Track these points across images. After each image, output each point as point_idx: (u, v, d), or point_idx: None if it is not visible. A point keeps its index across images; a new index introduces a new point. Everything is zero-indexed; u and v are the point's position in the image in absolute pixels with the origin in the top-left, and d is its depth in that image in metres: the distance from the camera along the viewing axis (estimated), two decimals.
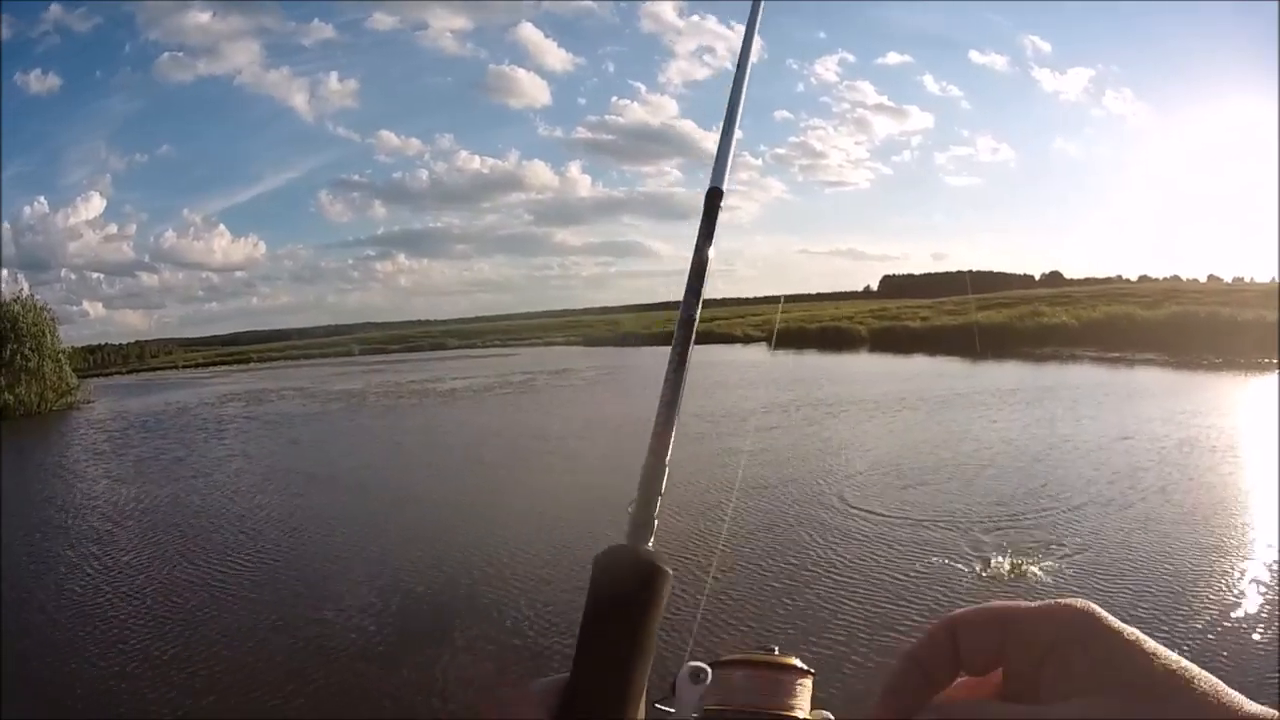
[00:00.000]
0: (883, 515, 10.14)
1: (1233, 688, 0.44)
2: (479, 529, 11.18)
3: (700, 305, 0.69)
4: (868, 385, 23.80)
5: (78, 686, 6.79)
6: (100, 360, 35.22)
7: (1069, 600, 0.48)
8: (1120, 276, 43.89)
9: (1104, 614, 0.47)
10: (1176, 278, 39.46)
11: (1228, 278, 34.29)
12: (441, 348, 50.54)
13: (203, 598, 8.87)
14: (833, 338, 39.64)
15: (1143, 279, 40.79)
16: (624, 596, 0.59)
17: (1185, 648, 5.83)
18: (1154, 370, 22.57)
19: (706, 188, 0.73)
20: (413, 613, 8.36)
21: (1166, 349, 24.50)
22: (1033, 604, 0.49)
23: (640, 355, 41.89)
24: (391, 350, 48.91)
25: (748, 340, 45.16)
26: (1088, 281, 43.71)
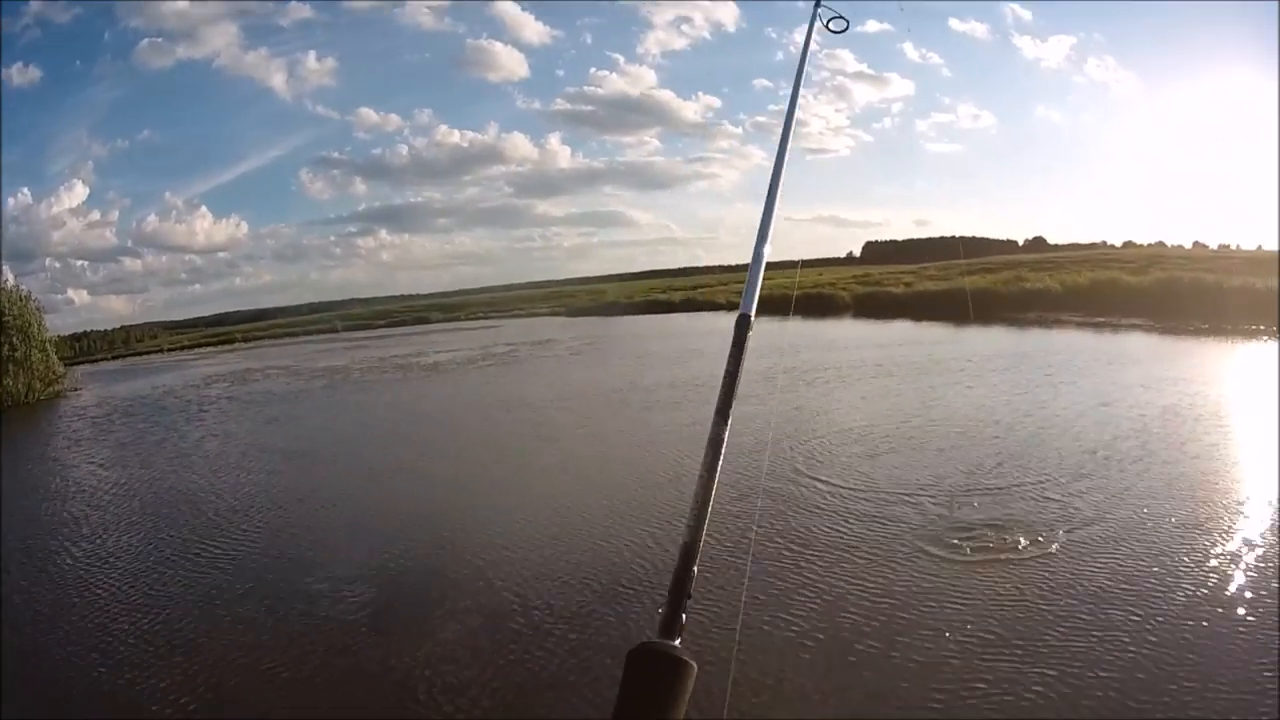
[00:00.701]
0: (839, 485, 10.10)
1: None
2: (460, 498, 11.45)
3: (728, 426, 0.76)
4: (846, 351, 23.94)
5: (70, 673, 6.77)
6: (86, 347, 35.00)
7: None
8: (1105, 242, 43.96)
9: None
10: (1161, 244, 39.51)
11: (1213, 244, 34.24)
12: (424, 322, 50.44)
13: (189, 576, 8.94)
14: (816, 304, 39.76)
15: (1127, 245, 40.86)
16: (657, 696, 0.66)
17: (1159, 623, 5.81)
18: (1140, 335, 22.45)
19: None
20: (396, 583, 8.44)
21: (1153, 314, 24.37)
22: None
23: (623, 324, 42.12)
24: (375, 326, 48.78)
25: (730, 307, 44.73)
26: (1072, 247, 43.75)
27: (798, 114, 1.73)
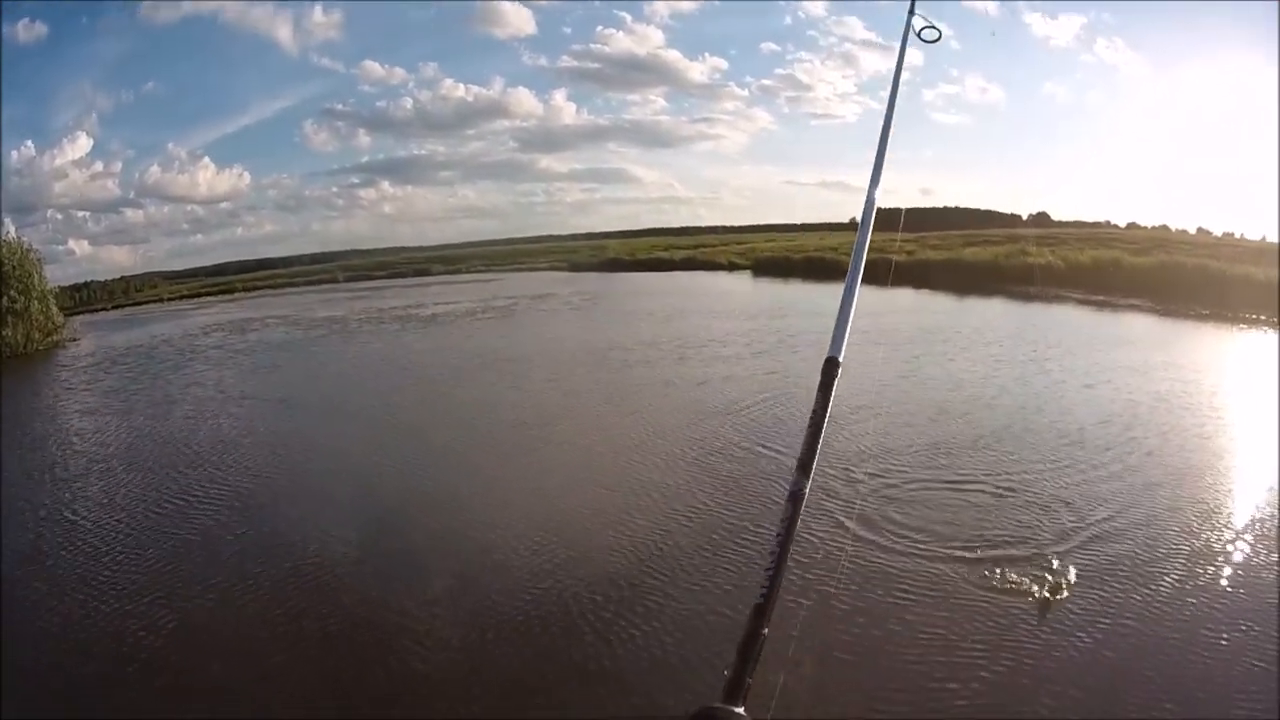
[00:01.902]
0: (786, 454, 10.28)
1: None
2: (456, 446, 11.98)
3: (810, 480, 0.72)
4: (819, 318, 23.87)
5: (62, 619, 7.01)
6: (86, 297, 34.71)
7: None
8: (1109, 222, 43.30)
9: None
10: (1165, 227, 38.96)
11: (1217, 232, 33.75)
12: (425, 274, 50.37)
13: (184, 525, 9.20)
14: (818, 267, 39.58)
15: (1131, 226, 40.32)
16: None
17: (1136, 616, 6.00)
18: (1140, 316, 22.35)
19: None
20: (388, 526, 8.91)
21: (1154, 296, 24.03)
22: None
23: (623, 281, 42.42)
24: (376, 277, 48.62)
25: (731, 268, 45.09)
26: (1075, 225, 43.18)
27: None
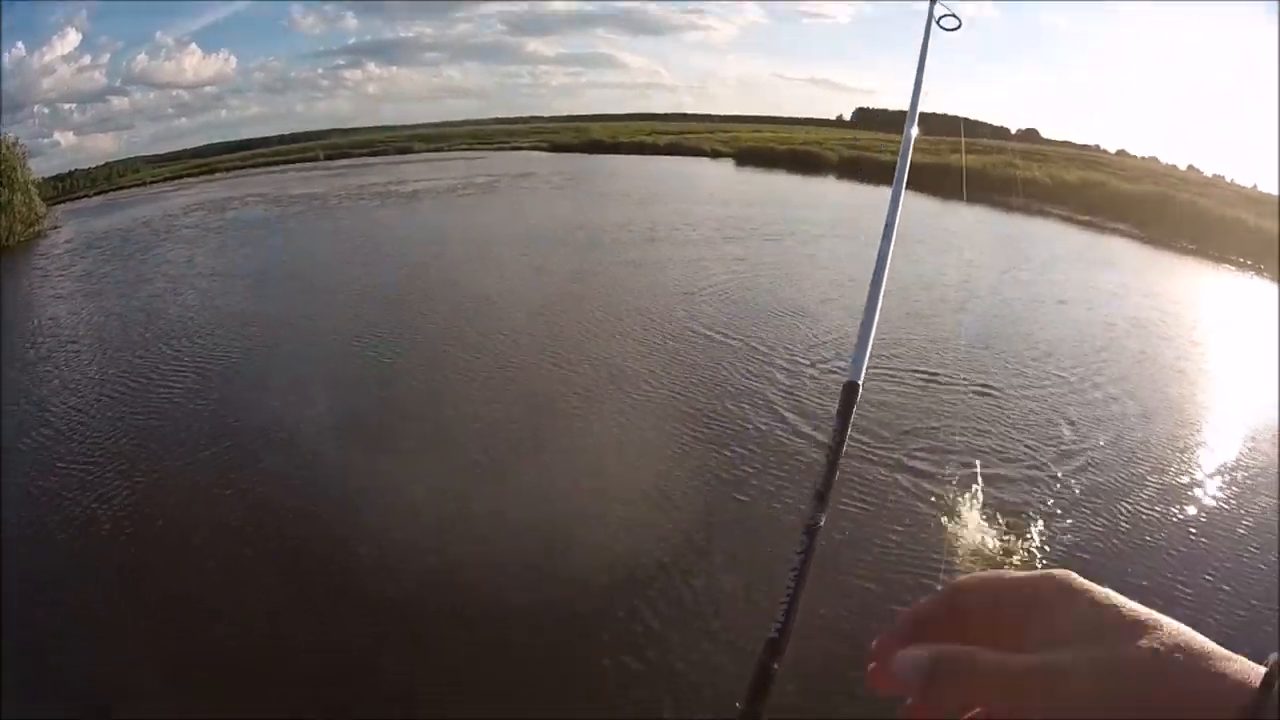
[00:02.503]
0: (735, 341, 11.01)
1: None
2: (420, 320, 12.53)
3: (827, 512, 0.73)
4: (814, 210, 24.62)
5: (23, 478, 7.54)
6: (70, 186, 33.52)
7: (1052, 570, 0.56)
8: (1099, 146, 42.70)
9: (1080, 578, 0.54)
10: (1155, 159, 38.61)
11: (1208, 172, 33.23)
12: (408, 152, 49.39)
13: (141, 403, 9.53)
14: (802, 160, 39.34)
15: (1121, 154, 39.88)
16: None
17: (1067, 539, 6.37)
18: (1124, 241, 22.28)
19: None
20: (357, 401, 9.40)
21: (1140, 224, 23.58)
22: (1021, 573, 0.57)
23: (605, 162, 42.30)
24: (357, 155, 47.58)
25: (715, 155, 44.77)
26: (1064, 144, 42.76)
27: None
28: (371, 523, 6.51)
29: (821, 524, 0.71)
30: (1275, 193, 25.85)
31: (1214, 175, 32.41)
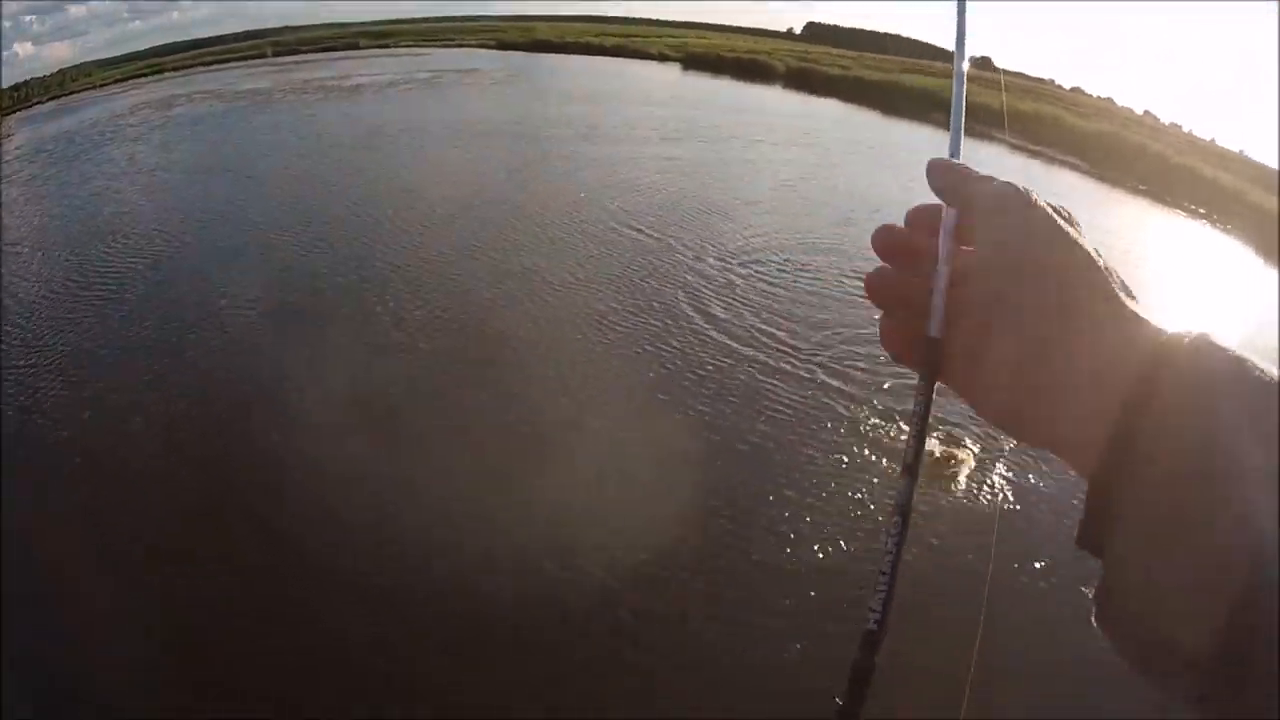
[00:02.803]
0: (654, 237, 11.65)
1: None
2: (367, 208, 12.91)
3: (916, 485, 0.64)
4: (758, 115, 25.11)
5: None
6: (24, 95, 31.83)
7: (1013, 183, 0.61)
8: (1053, 81, 42.91)
9: (1036, 195, 0.60)
10: (1111, 100, 38.86)
11: (1165, 120, 33.31)
12: (354, 48, 47.87)
13: (78, 300, 9.67)
14: (749, 68, 39.50)
15: (1076, 90, 40.18)
16: None
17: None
18: (1073, 174, 21.95)
19: None
20: (300, 287, 9.81)
21: (1091, 161, 23.12)
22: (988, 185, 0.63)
23: (549, 61, 42.33)
24: (304, 51, 45.93)
25: (662, 59, 44.83)
26: (1019, 75, 43.09)
27: None
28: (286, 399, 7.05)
29: (912, 502, 0.63)
30: (1235, 148, 26.13)
31: (1170, 123, 32.85)
